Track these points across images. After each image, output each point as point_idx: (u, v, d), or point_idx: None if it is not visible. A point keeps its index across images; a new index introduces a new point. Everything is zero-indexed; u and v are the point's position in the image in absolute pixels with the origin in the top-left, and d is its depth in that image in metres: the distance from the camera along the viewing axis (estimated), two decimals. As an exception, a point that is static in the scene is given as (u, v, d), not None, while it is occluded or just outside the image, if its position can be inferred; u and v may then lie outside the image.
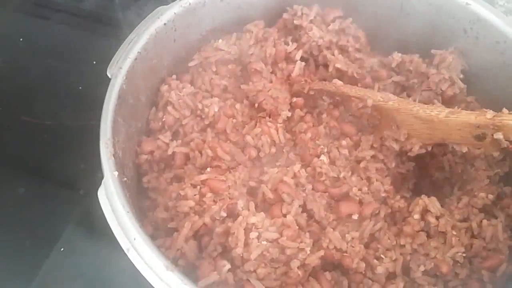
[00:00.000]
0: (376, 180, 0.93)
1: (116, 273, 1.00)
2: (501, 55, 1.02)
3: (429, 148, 0.95)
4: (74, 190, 1.18)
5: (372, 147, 0.98)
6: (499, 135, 0.82)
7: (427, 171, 1.04)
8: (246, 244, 0.76)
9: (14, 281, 1.08)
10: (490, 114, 0.83)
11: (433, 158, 1.03)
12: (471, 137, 0.87)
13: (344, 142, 0.99)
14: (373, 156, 0.97)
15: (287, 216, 0.81)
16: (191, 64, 1.09)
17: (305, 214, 0.87)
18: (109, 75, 0.89)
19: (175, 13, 1.02)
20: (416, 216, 0.86)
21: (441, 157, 1.02)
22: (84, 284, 1.07)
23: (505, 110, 0.84)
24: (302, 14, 1.12)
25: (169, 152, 0.96)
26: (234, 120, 1.01)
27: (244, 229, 0.76)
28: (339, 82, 1.02)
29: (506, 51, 1.01)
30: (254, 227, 0.77)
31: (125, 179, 0.80)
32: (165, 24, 1.00)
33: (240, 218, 0.78)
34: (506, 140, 0.82)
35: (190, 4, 1.04)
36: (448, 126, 0.89)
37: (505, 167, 0.99)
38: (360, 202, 0.90)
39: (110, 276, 1.03)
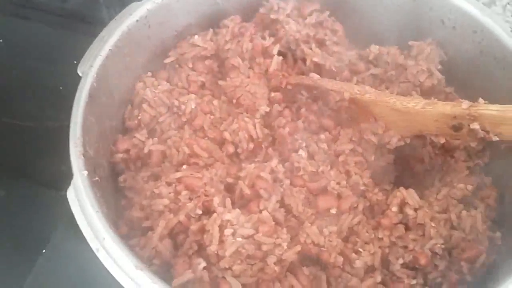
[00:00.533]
0: (355, 174, 0.93)
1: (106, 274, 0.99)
2: (478, 44, 1.02)
3: (408, 141, 0.95)
4: (55, 191, 1.16)
5: (351, 140, 0.97)
6: (475, 125, 0.82)
7: (408, 163, 1.04)
8: (221, 241, 0.74)
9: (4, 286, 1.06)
10: (466, 104, 0.83)
11: (413, 150, 1.02)
12: (448, 128, 0.86)
13: (322, 136, 0.98)
14: (352, 150, 0.96)
15: (263, 211, 0.80)
16: (166, 61, 1.07)
17: (283, 210, 0.86)
18: (79, 73, 0.87)
19: (148, 10, 1.00)
20: (394, 209, 0.85)
21: (421, 149, 1.01)
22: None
23: (481, 100, 0.84)
24: (278, 8, 1.10)
25: (146, 150, 0.94)
26: (212, 117, 1.00)
27: (218, 226, 0.75)
28: (316, 76, 1.01)
29: (483, 41, 1.01)
30: (229, 223, 0.76)
31: (97, 178, 0.79)
32: (137, 20, 0.99)
33: (214, 215, 0.77)
34: (482, 130, 0.82)
35: (163, 0, 1.03)
36: (425, 117, 0.88)
37: (485, 157, 0.98)
38: (339, 196, 0.89)
39: (101, 277, 1.01)
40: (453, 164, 0.96)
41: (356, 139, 0.97)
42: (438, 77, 1.04)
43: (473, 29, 1.02)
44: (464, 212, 0.86)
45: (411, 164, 1.04)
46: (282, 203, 0.87)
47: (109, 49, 0.93)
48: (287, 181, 0.89)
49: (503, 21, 1.01)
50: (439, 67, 1.06)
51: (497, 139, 0.82)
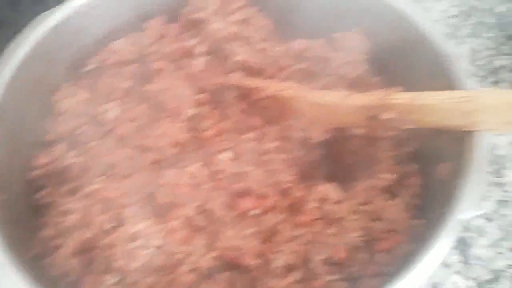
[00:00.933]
0: (281, 172, 0.91)
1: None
2: (399, 32, 1.01)
3: (331, 134, 0.94)
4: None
5: (277, 138, 0.96)
6: (389, 115, 0.82)
7: (338, 156, 1.03)
8: (129, 254, 0.73)
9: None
10: (379, 94, 0.83)
11: (343, 143, 1.02)
12: (366, 119, 0.86)
13: (250, 135, 0.97)
14: (277, 147, 0.95)
15: (176, 220, 0.78)
16: (87, 69, 1.04)
17: (203, 215, 0.84)
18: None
19: (60, 18, 0.96)
20: (312, 204, 0.84)
21: (349, 142, 1.01)
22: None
23: (394, 89, 0.83)
24: (202, 7, 1.08)
25: (65, 163, 0.91)
26: (136, 124, 0.97)
27: (127, 238, 0.73)
28: (239, 75, 1.00)
29: (403, 28, 1.00)
30: (138, 235, 0.74)
31: (3, 198, 0.75)
32: (49, 30, 0.95)
33: (122, 227, 0.75)
34: (396, 119, 0.82)
35: (78, 6, 0.99)
36: (343, 110, 0.88)
37: (411, 145, 0.98)
38: (261, 196, 0.88)
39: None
40: (379, 154, 0.96)
41: (282, 136, 0.96)
42: (362, 68, 1.03)
43: (395, 17, 1.02)
44: (387, 202, 0.86)
45: (341, 157, 1.03)
46: (202, 208, 0.85)
47: (19, 62, 0.89)
48: (209, 185, 0.87)
49: (420, 8, 1.01)
50: (364, 57, 1.05)
51: (411, 127, 0.82)
